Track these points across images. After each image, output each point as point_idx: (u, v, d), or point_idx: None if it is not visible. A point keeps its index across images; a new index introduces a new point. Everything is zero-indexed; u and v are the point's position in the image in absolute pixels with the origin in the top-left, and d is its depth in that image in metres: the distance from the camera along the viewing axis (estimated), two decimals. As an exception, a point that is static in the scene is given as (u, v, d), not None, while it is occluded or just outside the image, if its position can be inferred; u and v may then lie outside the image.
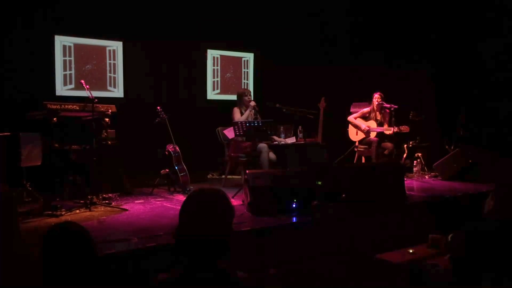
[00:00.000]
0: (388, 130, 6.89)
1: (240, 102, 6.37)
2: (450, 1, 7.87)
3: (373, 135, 7.03)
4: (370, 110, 7.12)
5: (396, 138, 6.95)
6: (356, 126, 7.20)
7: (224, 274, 1.72)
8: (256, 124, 5.80)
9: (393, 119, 6.87)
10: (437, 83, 8.27)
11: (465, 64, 8.00)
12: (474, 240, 2.54)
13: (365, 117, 7.16)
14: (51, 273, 1.75)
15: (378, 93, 7.05)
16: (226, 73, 8.23)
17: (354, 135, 7.26)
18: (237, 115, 6.23)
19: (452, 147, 7.25)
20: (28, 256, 1.89)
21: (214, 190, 1.82)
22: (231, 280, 1.72)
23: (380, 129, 6.99)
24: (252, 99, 6.34)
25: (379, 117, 7.08)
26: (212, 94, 8.06)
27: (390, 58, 8.19)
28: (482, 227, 2.64)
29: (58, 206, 4.70)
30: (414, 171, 7.20)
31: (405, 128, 6.85)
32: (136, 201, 5.34)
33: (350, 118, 7.26)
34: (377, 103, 7.01)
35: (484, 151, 6.78)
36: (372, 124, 7.09)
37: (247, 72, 8.45)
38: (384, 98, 7.01)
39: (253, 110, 6.26)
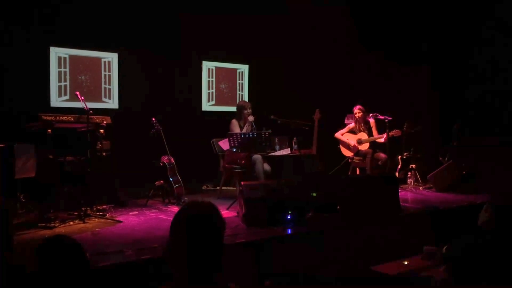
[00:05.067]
0: (380, 138, 6.91)
1: (240, 115, 6.34)
2: (450, 13, 8.00)
3: (366, 146, 7.05)
4: (355, 123, 7.15)
5: (390, 148, 6.93)
6: (344, 143, 7.22)
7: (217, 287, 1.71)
8: (251, 135, 5.81)
9: (387, 130, 6.86)
10: (434, 96, 8.35)
11: (461, 76, 8.12)
12: (470, 251, 2.56)
13: (354, 132, 7.19)
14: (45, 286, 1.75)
15: (358, 106, 7.10)
16: (221, 84, 8.25)
17: (347, 151, 7.26)
18: (236, 130, 6.16)
19: (446, 159, 7.28)
20: (22, 268, 1.89)
21: (205, 204, 1.80)
22: None
23: (372, 139, 7.01)
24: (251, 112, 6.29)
25: (366, 130, 7.09)
26: (207, 105, 8.07)
27: (386, 68, 8.27)
28: (477, 238, 2.65)
29: (52, 218, 4.68)
30: (408, 182, 7.22)
31: (396, 132, 6.86)
32: (130, 213, 5.33)
33: (337, 135, 7.28)
34: (357, 117, 7.06)
35: (480, 161, 6.83)
36: (363, 136, 7.10)
37: (242, 83, 8.48)
38: (365, 110, 7.04)
39: (251, 125, 6.19)
